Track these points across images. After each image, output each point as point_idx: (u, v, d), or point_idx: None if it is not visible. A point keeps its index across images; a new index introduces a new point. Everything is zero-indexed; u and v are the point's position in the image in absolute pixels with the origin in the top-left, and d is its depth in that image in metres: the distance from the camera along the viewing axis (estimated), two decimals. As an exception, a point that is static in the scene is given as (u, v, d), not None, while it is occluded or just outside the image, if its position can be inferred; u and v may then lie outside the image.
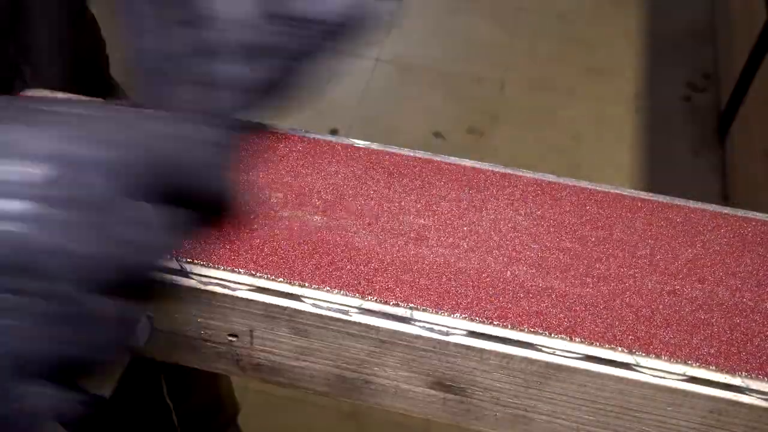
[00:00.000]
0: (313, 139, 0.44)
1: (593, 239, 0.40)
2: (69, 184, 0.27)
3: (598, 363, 0.35)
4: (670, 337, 0.36)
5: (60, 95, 0.46)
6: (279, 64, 0.37)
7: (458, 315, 0.36)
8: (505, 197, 0.42)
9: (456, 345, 0.36)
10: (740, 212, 0.42)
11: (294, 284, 0.37)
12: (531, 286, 0.38)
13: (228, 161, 0.33)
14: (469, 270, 0.38)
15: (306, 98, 0.40)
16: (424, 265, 0.38)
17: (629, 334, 0.36)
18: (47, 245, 0.26)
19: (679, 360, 0.35)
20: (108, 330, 0.28)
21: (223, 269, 0.38)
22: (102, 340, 0.28)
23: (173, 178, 0.30)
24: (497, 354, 0.36)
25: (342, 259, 0.38)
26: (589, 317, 0.37)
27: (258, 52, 0.36)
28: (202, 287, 0.37)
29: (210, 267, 0.38)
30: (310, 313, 0.37)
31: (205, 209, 0.32)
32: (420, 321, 0.36)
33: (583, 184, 0.43)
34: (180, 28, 0.36)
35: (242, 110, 0.37)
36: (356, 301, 0.37)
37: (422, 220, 0.40)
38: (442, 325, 0.36)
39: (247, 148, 0.39)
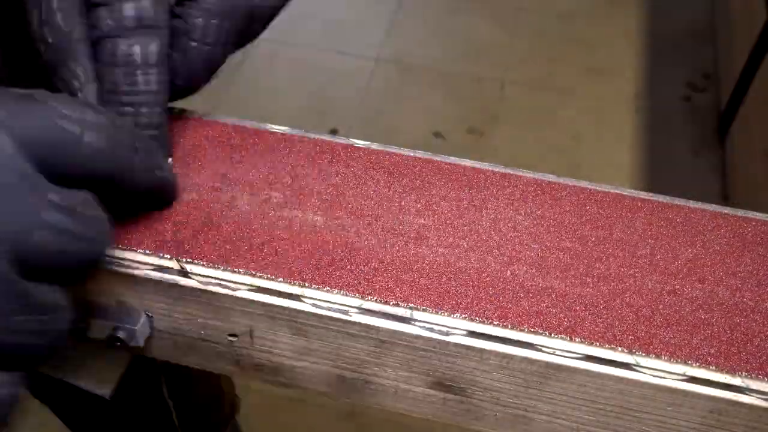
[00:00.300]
0: (313, 139, 0.44)
1: (593, 239, 0.40)
2: None
3: (598, 363, 0.35)
4: (670, 337, 0.36)
5: None
6: (183, 46, 0.39)
7: (458, 315, 0.36)
8: (505, 197, 0.42)
9: (456, 345, 0.36)
10: (740, 212, 0.42)
11: (294, 284, 0.37)
12: (531, 285, 0.38)
13: (150, 144, 0.34)
14: (469, 270, 0.38)
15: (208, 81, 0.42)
16: (424, 265, 0.38)
17: (629, 334, 0.36)
18: None
19: (679, 360, 0.35)
20: (44, 314, 0.29)
21: (223, 269, 0.38)
22: (37, 326, 0.28)
23: (90, 163, 0.31)
24: (497, 354, 0.36)
25: (342, 259, 0.38)
26: (589, 317, 0.37)
27: (163, 32, 0.38)
28: (202, 287, 0.37)
29: (210, 267, 0.38)
30: (310, 313, 0.37)
31: (128, 196, 0.34)
32: (420, 321, 0.36)
33: (583, 184, 0.43)
34: (92, 8, 0.37)
35: (151, 88, 0.38)
36: (356, 301, 0.37)
37: (422, 220, 0.40)
38: (442, 325, 0.36)
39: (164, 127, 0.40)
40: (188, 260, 0.38)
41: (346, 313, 0.37)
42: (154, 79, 0.37)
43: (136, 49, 0.37)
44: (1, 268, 0.27)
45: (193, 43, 0.39)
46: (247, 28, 0.41)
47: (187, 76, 0.40)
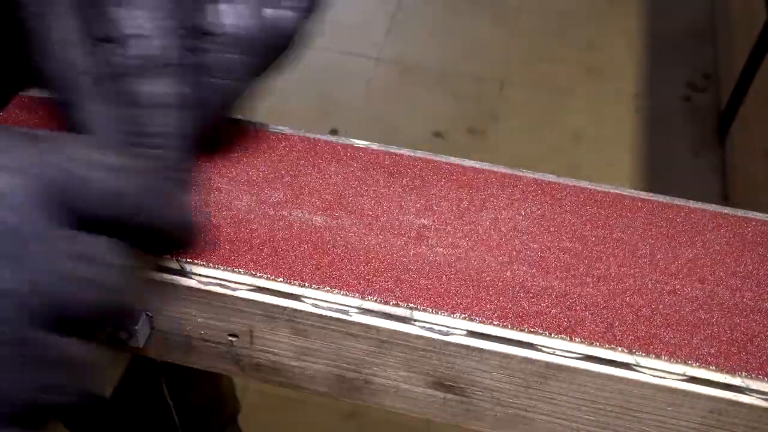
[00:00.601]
0: (313, 139, 0.44)
1: (593, 239, 0.40)
2: None
3: (598, 363, 0.35)
4: (670, 337, 0.36)
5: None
6: (200, 82, 0.37)
7: (458, 315, 0.36)
8: (505, 197, 0.42)
9: (456, 345, 0.36)
10: (740, 212, 0.42)
11: (294, 284, 0.37)
12: (531, 285, 0.38)
13: (168, 185, 0.33)
14: (469, 270, 0.38)
15: (230, 114, 0.40)
16: (424, 265, 0.38)
17: (629, 334, 0.36)
18: None
19: (679, 360, 0.35)
20: (67, 370, 0.27)
21: (223, 269, 0.38)
22: (61, 381, 0.27)
23: (104, 205, 0.29)
24: (497, 354, 0.36)
25: (342, 259, 0.38)
26: (589, 317, 0.37)
27: (179, 69, 0.36)
28: (202, 287, 0.37)
29: (210, 267, 0.38)
30: (310, 312, 0.37)
31: (148, 238, 0.32)
32: (420, 321, 0.36)
33: (583, 184, 0.43)
34: (101, 44, 0.36)
35: (170, 129, 0.37)
36: (356, 301, 0.37)
37: (422, 220, 0.40)
38: (442, 325, 0.36)
39: (186, 167, 0.38)
40: (188, 260, 0.38)
41: (346, 313, 0.37)
42: (172, 120, 0.36)
43: (152, 89, 0.36)
44: (12, 321, 0.26)
45: (214, 80, 0.38)
46: (268, 59, 0.39)
47: (207, 113, 0.38)
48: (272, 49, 0.39)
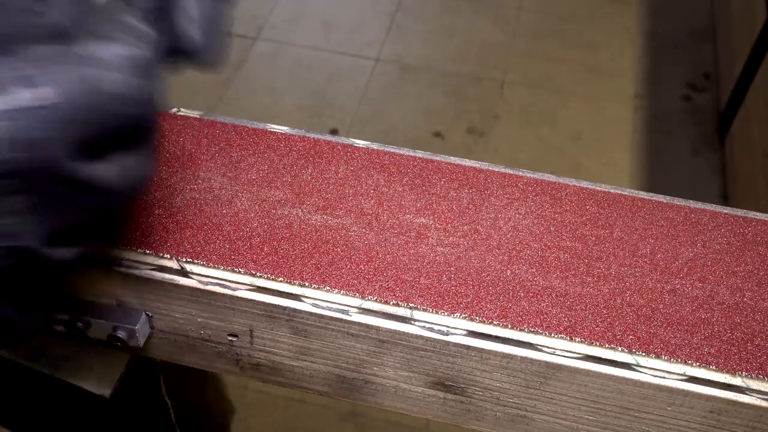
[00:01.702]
0: (313, 139, 0.44)
1: (593, 238, 0.40)
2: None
3: (598, 363, 0.35)
4: (671, 337, 0.36)
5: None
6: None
7: (458, 315, 0.36)
8: (505, 197, 0.42)
9: (456, 345, 0.36)
10: (740, 212, 0.42)
11: (294, 284, 0.37)
12: (531, 285, 0.38)
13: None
14: (469, 269, 0.38)
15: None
16: (424, 265, 0.38)
17: (629, 334, 0.36)
18: None
19: (679, 360, 0.35)
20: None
21: (223, 269, 0.38)
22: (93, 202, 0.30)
23: None
24: (497, 354, 0.36)
25: (342, 259, 0.38)
26: (590, 316, 0.37)
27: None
28: (202, 287, 0.37)
29: (210, 267, 0.38)
30: (310, 312, 0.37)
31: None
32: (420, 321, 0.36)
33: (583, 184, 0.43)
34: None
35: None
36: (356, 301, 0.37)
37: (422, 219, 0.40)
38: (442, 325, 0.36)
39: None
40: (188, 260, 0.38)
41: (346, 312, 0.37)
42: None
43: None
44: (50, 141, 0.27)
45: None
46: None
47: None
48: None
